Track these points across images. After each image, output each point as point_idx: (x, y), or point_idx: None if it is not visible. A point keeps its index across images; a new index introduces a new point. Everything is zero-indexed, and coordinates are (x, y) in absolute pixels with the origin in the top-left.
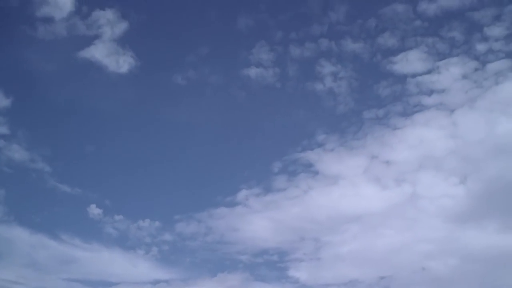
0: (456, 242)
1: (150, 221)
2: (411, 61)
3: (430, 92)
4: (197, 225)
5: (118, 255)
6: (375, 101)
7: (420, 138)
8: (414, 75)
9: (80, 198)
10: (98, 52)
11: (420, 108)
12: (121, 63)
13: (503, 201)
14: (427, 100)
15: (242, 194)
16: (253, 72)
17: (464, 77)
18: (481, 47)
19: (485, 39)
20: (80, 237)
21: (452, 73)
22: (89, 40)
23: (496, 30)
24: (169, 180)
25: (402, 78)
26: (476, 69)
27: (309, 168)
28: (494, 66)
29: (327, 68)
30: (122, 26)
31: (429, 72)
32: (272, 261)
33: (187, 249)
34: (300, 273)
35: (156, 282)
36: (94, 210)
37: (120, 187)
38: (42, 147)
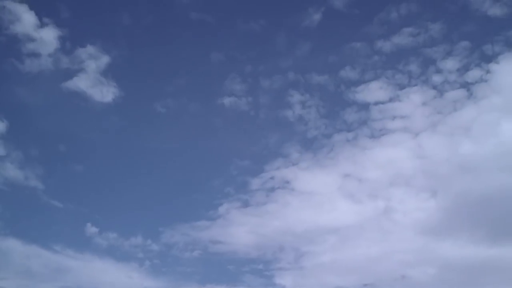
0: (433, 252)
1: (139, 234)
2: (373, 91)
3: (394, 118)
4: (184, 238)
5: (110, 265)
6: (344, 125)
7: (389, 158)
8: (376, 103)
9: (71, 212)
10: (83, 84)
11: (386, 131)
12: (105, 93)
13: (471, 214)
14: (392, 125)
15: (223, 208)
16: (227, 101)
17: (424, 104)
18: (437, 79)
19: (439, 71)
20: (72, 248)
21: (412, 100)
22: (74, 73)
23: (449, 64)
24: (155, 197)
25: (365, 106)
26: (434, 97)
27: (286, 185)
28: (451, 94)
29: (295, 97)
30: (104, 60)
31: (391, 100)
32: (258, 270)
33: (176, 261)
34: (285, 280)
35: None
36: (90, 229)
37: (108, 204)
38: (35, 167)
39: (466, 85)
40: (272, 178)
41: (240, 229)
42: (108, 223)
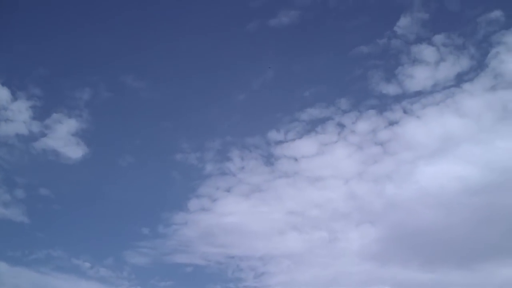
0: (382, 273)
1: (111, 259)
2: (298, 147)
3: (323, 168)
4: (158, 267)
5: (94, 285)
6: (282, 173)
7: (326, 198)
8: (304, 156)
9: (54, 242)
10: (55, 143)
11: (319, 178)
12: (75, 150)
13: (406, 244)
14: (322, 173)
15: (185, 238)
16: (178, 156)
17: (348, 157)
18: (353, 139)
19: (354, 132)
20: (58, 271)
21: (337, 154)
22: (46, 135)
23: (361, 127)
24: (122, 230)
25: (294, 159)
26: (356, 151)
27: (237, 220)
28: (369, 150)
29: (235, 152)
30: (72, 124)
31: (317, 154)
32: None
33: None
34: None
35: None
36: (73, 256)
37: (85, 236)
38: (21, 206)
39: (380, 143)
40: (223, 214)
41: (202, 256)
42: (89, 252)
